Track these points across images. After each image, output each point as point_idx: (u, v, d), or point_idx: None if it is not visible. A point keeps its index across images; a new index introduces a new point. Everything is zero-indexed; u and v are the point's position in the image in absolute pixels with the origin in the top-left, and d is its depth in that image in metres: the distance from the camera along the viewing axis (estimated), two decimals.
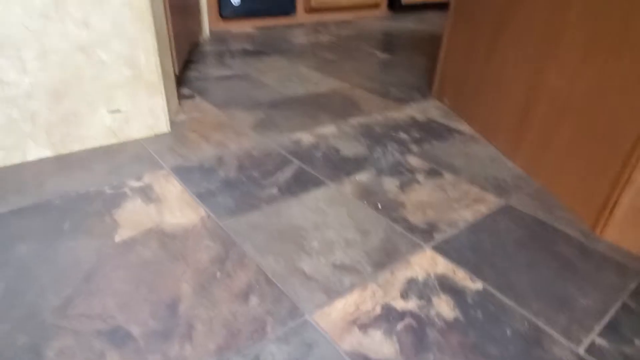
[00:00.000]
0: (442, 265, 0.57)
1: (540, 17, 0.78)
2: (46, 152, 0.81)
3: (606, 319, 0.50)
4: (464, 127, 1.04)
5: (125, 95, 0.85)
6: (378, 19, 2.59)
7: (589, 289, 0.55)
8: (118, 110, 0.86)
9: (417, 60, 1.64)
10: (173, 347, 0.44)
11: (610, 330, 0.49)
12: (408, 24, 2.46)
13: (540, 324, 0.49)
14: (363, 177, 0.79)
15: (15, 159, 0.78)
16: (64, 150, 0.82)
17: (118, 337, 0.45)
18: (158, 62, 0.86)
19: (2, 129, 0.75)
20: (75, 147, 0.84)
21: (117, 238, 0.60)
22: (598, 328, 0.49)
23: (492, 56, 0.94)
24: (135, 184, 0.74)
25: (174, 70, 1.03)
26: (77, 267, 0.54)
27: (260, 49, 1.70)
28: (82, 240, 0.59)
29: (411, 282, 0.54)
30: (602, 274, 0.57)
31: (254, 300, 0.50)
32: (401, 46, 1.88)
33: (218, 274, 0.54)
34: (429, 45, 1.91)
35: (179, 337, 0.45)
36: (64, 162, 0.79)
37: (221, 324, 0.47)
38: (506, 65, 0.89)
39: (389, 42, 1.95)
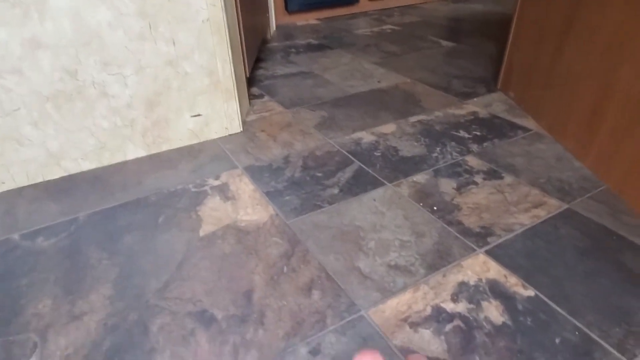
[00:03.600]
0: (494, 270, 0.60)
1: (615, 9, 0.74)
2: (141, 152, 0.94)
3: None
4: (529, 123, 1.01)
5: (205, 101, 0.95)
6: (444, 3, 2.50)
7: None
8: (199, 115, 0.96)
9: (483, 48, 1.58)
10: (248, 331, 0.53)
11: None
12: (477, 5, 2.35)
13: (593, 335, 0.50)
14: (421, 178, 0.82)
15: (118, 158, 0.92)
16: (155, 150, 0.95)
17: (205, 318, 0.55)
18: (233, 69, 0.95)
19: (109, 134, 0.88)
20: (164, 147, 0.96)
21: (202, 232, 0.70)
22: None
23: (563, 48, 0.90)
24: (215, 182, 0.84)
25: (245, 73, 1.12)
26: (171, 256, 0.65)
27: (324, 43, 1.75)
28: (174, 233, 0.70)
29: (462, 286, 0.58)
30: None
31: (316, 294, 0.57)
32: (467, 32, 1.82)
33: (285, 268, 0.62)
34: (498, 29, 1.83)
35: (253, 323, 0.54)
36: (155, 161, 0.92)
37: (288, 313, 0.55)
38: (578, 60, 0.86)
39: (454, 29, 1.90)
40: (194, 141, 0.99)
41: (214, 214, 0.74)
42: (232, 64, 0.94)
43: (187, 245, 0.67)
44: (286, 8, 2.07)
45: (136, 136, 0.91)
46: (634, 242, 0.64)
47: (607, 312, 0.53)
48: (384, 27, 1.98)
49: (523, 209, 0.72)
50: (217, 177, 0.85)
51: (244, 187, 0.82)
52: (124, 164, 0.91)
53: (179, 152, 0.95)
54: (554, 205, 0.73)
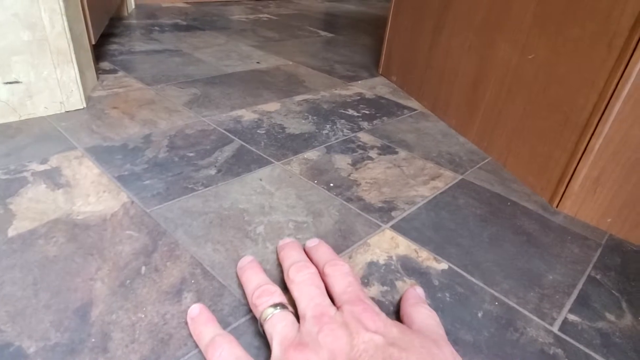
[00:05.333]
0: (404, 246, 0.52)
1: None
2: None
3: (575, 294, 0.48)
4: (413, 104, 1.00)
5: (25, 63, 0.71)
6: (319, 0, 2.51)
7: (554, 263, 0.52)
8: (17, 82, 0.71)
9: (361, 40, 1.59)
10: None
11: (581, 305, 0.46)
12: (349, 5, 2.41)
13: (512, 303, 0.45)
14: (312, 155, 0.72)
15: None
16: None
17: (7, 356, 0.34)
18: (66, 25, 0.72)
19: None
20: None
21: (12, 232, 0.48)
22: (569, 304, 0.46)
23: (440, 31, 0.91)
24: (39, 167, 0.61)
25: (90, 38, 0.89)
26: None
27: (194, 25, 1.56)
28: None
29: (372, 266, 0.48)
30: (565, 247, 0.55)
31: (188, 297, 0.42)
32: (344, 26, 1.83)
33: (143, 268, 0.45)
34: (372, 26, 1.88)
35: (90, 351, 0.36)
36: None
37: (147, 329, 0.38)
38: (454, 40, 0.86)
39: (331, 22, 1.89)
40: (12, 118, 0.73)
41: (34, 206, 0.52)
42: (65, 18, 0.72)
43: None
44: None
45: None
46: (526, 206, 0.64)
47: (518, 277, 0.49)
48: (260, 15, 1.87)
49: (422, 182, 0.67)
50: (43, 161, 0.62)
51: (85, 171, 0.61)
52: None
53: None
54: (449, 177, 0.69)
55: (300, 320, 0.35)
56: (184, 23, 1.57)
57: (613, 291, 0.49)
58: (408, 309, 0.39)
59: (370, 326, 0.33)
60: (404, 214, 0.58)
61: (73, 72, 0.77)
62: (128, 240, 0.48)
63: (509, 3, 0.71)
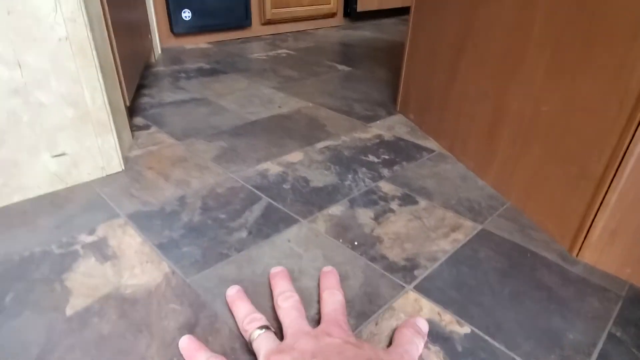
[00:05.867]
0: (427, 309, 0.55)
1: (501, 37, 0.78)
2: None
3: (595, 354, 0.49)
4: (431, 144, 1.03)
5: (70, 137, 0.78)
6: (335, 28, 2.58)
7: (575, 320, 0.54)
8: (63, 154, 0.78)
9: (378, 73, 1.63)
10: None
11: None
12: (365, 32, 2.47)
13: None
14: (336, 210, 0.76)
15: None
16: (2, 202, 0.74)
17: None
18: (106, 98, 0.79)
19: None
20: (16, 197, 0.75)
21: (69, 310, 0.53)
22: None
23: (454, 75, 0.93)
24: (88, 238, 0.67)
25: (125, 101, 0.96)
26: (24, 352, 0.48)
27: (217, 68, 1.64)
28: (29, 317, 0.52)
29: None
30: (585, 301, 0.57)
31: None
32: (360, 57, 1.87)
33: None
34: (388, 55, 1.92)
35: None
36: (2, 218, 0.71)
37: None
38: (469, 85, 0.89)
39: (347, 54, 1.94)
40: (59, 187, 0.80)
41: (87, 281, 0.58)
42: (104, 92, 0.79)
43: (48, 331, 0.50)
44: (172, 30, 1.92)
45: None
46: (545, 257, 0.65)
47: (539, 337, 0.51)
48: (279, 51, 1.94)
49: (442, 234, 0.70)
50: (91, 232, 0.68)
51: (129, 240, 0.67)
52: None
53: (38, 203, 0.75)
54: (469, 227, 0.72)
55: (283, 338, 0.46)
56: (208, 66, 1.65)
57: (632, 349, 0.50)
58: (397, 331, 0.49)
59: (334, 334, 0.44)
60: (426, 272, 0.61)
61: (112, 139, 0.83)
62: (172, 315, 0.53)
63: (522, 54, 0.74)
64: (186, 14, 1.89)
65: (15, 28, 0.65)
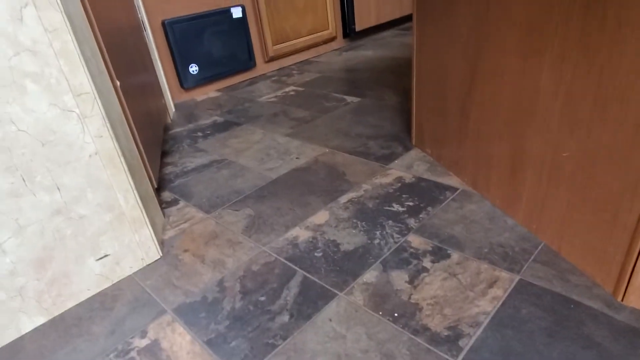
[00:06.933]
0: None
1: (509, 82, 0.78)
2: (40, 319, 0.77)
3: None
4: (453, 180, 1.03)
5: (110, 238, 0.82)
6: (337, 52, 2.60)
7: None
8: (106, 255, 0.82)
9: (387, 99, 1.64)
10: None
11: None
12: (367, 52, 2.48)
13: None
14: (370, 277, 0.77)
15: (10, 336, 0.74)
16: (58, 311, 0.78)
17: None
18: (137, 195, 0.83)
19: None
20: (69, 304, 0.80)
21: None
22: None
23: (467, 114, 0.94)
24: (142, 342, 0.70)
25: (153, 185, 1.00)
26: None
27: (230, 119, 1.68)
28: None
29: None
30: (637, 356, 0.56)
31: None
32: (367, 83, 1.88)
33: None
34: (393, 75, 1.92)
35: None
36: (60, 327, 0.75)
37: None
38: (482, 125, 0.89)
39: (353, 81, 1.96)
40: (106, 285, 0.84)
41: None
42: (135, 191, 0.83)
43: None
44: (182, 86, 1.98)
45: (29, 305, 0.74)
46: (590, 306, 0.65)
47: None
48: (287, 89, 1.97)
49: (480, 292, 0.70)
50: (143, 334, 0.72)
51: (179, 340, 0.70)
52: (19, 342, 0.73)
53: (89, 306, 0.80)
54: (506, 280, 0.72)
55: None
56: (221, 119, 1.69)
57: None
58: None
59: None
60: (471, 342, 0.62)
61: (147, 231, 0.87)
62: None
63: (533, 101, 0.73)
64: (193, 69, 1.95)
65: (50, 157, 0.70)
